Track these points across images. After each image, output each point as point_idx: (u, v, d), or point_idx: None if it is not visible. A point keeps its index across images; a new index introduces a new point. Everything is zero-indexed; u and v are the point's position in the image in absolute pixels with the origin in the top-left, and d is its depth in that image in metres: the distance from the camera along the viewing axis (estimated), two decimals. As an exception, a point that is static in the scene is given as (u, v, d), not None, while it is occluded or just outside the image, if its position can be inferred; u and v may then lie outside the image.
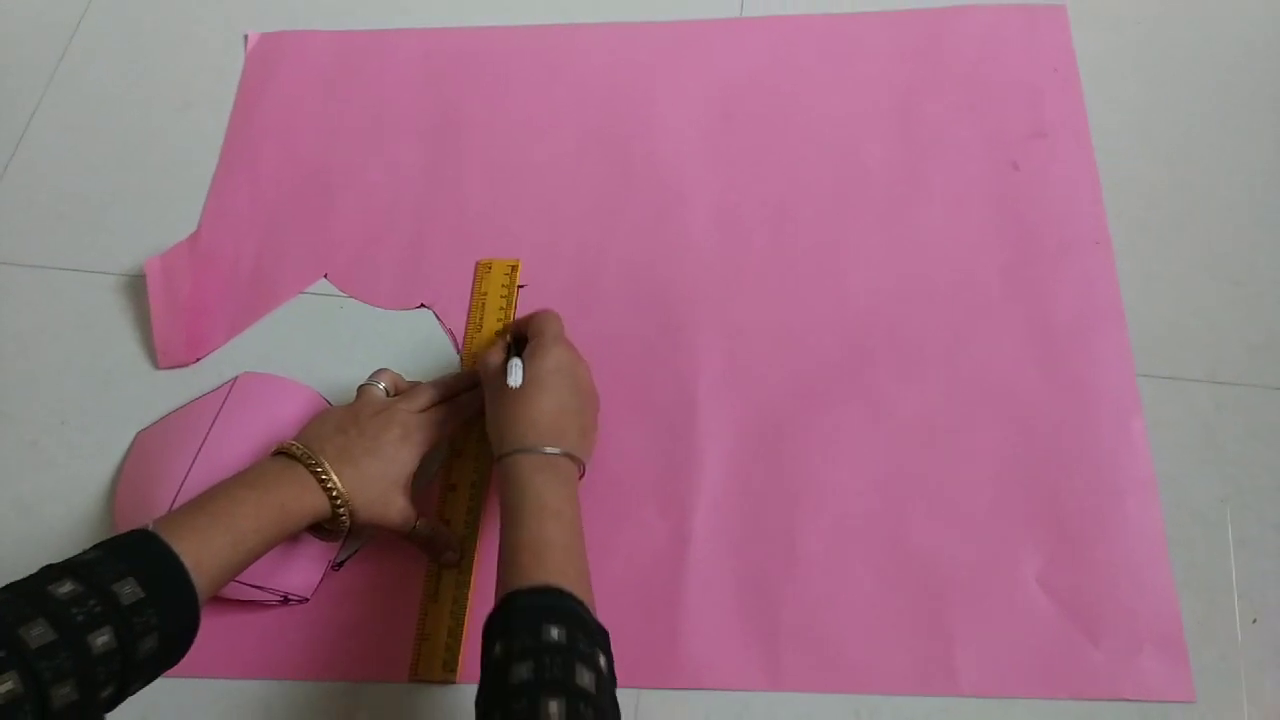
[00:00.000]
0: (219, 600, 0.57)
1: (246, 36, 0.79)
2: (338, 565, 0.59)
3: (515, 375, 0.53)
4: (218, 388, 0.65)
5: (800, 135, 0.70)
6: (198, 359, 0.66)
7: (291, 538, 0.54)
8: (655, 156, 0.71)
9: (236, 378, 0.65)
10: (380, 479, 0.54)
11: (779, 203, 0.68)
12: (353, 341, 0.67)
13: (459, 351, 0.65)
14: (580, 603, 0.45)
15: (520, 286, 0.67)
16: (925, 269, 0.65)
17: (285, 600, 0.58)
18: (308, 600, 0.58)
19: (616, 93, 0.74)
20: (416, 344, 0.66)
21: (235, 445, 0.60)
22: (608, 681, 0.44)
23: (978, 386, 0.61)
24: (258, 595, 0.57)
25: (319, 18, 0.80)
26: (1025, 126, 0.68)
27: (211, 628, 0.57)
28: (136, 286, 0.69)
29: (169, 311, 0.68)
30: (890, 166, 0.68)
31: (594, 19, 0.77)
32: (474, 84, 0.75)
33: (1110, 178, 0.67)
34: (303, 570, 0.58)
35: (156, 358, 0.66)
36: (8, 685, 0.37)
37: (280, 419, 0.62)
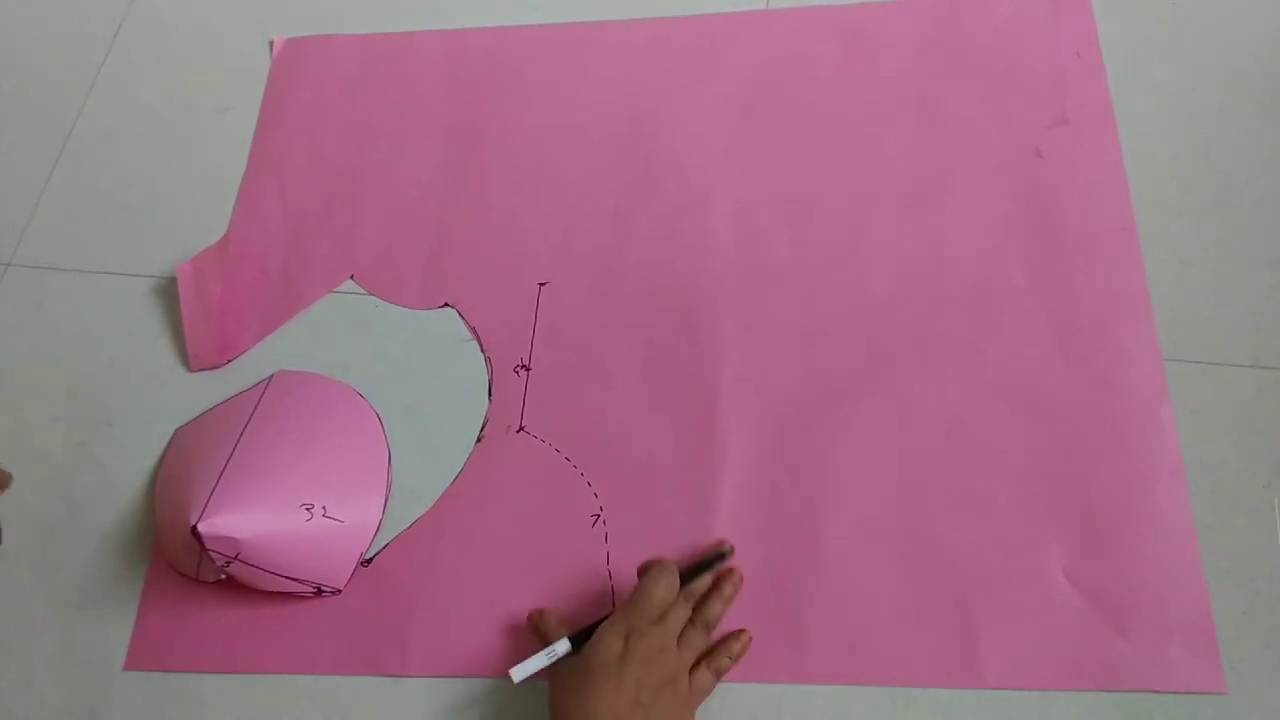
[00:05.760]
0: (255, 594, 0.59)
1: (272, 42, 0.81)
2: (367, 561, 0.60)
3: None
4: (254, 385, 0.67)
5: (821, 127, 0.70)
6: (228, 361, 0.68)
7: (325, 532, 0.56)
8: (675, 152, 0.71)
9: (272, 375, 0.67)
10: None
11: (800, 197, 0.68)
12: (380, 340, 0.68)
13: (484, 351, 0.66)
14: None
15: (542, 284, 0.68)
16: (947, 260, 0.64)
17: (319, 591, 0.59)
18: (340, 592, 0.59)
19: (637, 89, 0.74)
20: (441, 343, 0.67)
21: (270, 440, 0.61)
22: None
23: (1001, 377, 0.60)
24: (292, 587, 0.58)
25: (351, 18, 0.81)
26: (1048, 113, 0.67)
27: (245, 621, 0.59)
28: (177, 290, 0.70)
29: (200, 315, 0.69)
30: (911, 157, 0.68)
31: (620, 14, 0.77)
32: (496, 83, 0.76)
33: (1142, 162, 0.66)
34: (335, 562, 0.59)
35: (189, 360, 0.68)
36: None
37: (314, 415, 0.64)
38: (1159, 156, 0.66)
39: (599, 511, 0.60)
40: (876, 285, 0.64)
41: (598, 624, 0.53)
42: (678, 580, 0.53)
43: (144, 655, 0.59)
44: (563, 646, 0.53)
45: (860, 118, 0.70)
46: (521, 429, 0.63)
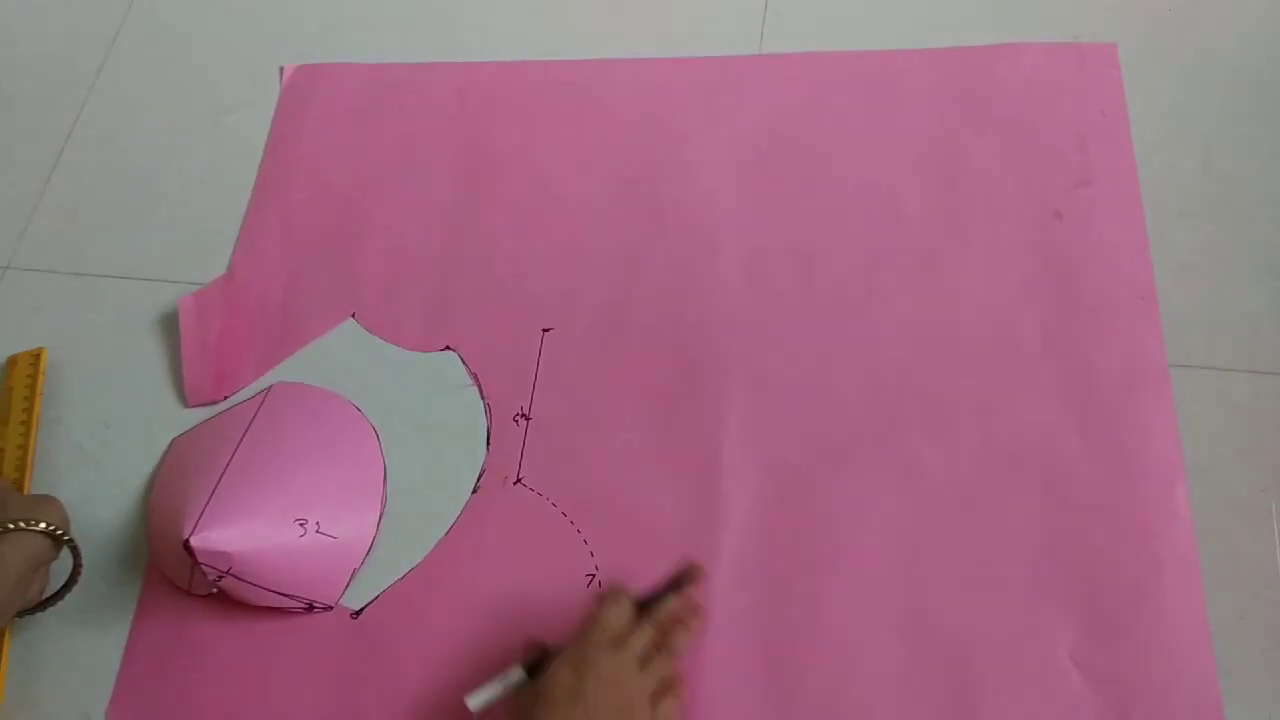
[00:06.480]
0: (241, 640, 0.59)
1: (282, 69, 0.79)
2: (356, 613, 0.59)
3: None
4: (251, 396, 0.66)
5: (834, 179, 0.68)
6: (225, 397, 0.67)
7: (318, 548, 0.57)
8: (685, 199, 0.69)
9: (270, 387, 0.66)
10: None
11: (810, 251, 0.66)
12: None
13: (483, 398, 0.65)
14: None
15: (546, 330, 0.66)
16: (960, 322, 0.62)
17: (310, 608, 0.59)
18: (331, 608, 0.59)
19: (648, 131, 0.72)
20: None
21: (267, 452, 0.61)
22: None
23: (1013, 449, 0.59)
24: (283, 602, 0.58)
25: (350, 19, 0.80)
26: (1070, 173, 0.66)
27: (231, 674, 0.59)
28: (176, 292, 0.70)
29: (199, 351, 0.68)
30: (927, 213, 0.66)
31: (634, 53, 0.75)
32: (505, 120, 0.74)
33: (1141, 165, 0.65)
34: (328, 579, 0.59)
35: (185, 396, 0.67)
36: None
37: (311, 428, 0.63)
38: (1158, 159, 0.65)
39: (594, 572, 0.59)
40: (886, 345, 0.63)
41: (555, 652, 0.50)
42: (629, 604, 0.51)
43: (130, 700, 0.59)
44: (515, 674, 0.50)
45: (877, 169, 0.68)
46: (519, 481, 0.62)
